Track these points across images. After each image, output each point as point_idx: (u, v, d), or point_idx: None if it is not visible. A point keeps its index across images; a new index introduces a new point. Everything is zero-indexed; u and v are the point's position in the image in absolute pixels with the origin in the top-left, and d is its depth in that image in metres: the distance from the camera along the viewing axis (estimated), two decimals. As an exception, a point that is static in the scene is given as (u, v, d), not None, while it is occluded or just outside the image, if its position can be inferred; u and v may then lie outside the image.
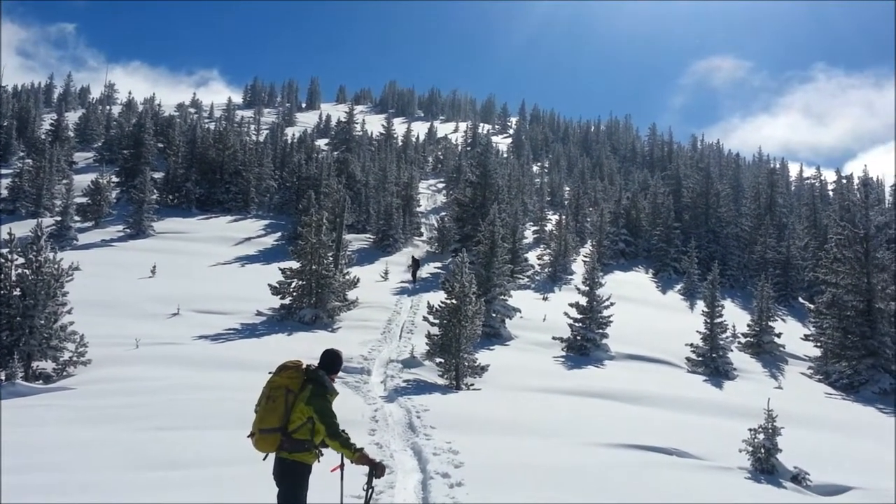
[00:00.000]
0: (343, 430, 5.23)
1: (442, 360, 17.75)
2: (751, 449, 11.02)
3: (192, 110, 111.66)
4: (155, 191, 45.77)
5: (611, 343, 23.51)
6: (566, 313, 24.22)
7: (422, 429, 11.71)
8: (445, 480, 8.59)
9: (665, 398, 16.50)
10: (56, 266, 16.52)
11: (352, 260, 35.32)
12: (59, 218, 39.28)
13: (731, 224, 48.55)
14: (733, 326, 26.64)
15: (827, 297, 26.24)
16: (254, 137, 76.39)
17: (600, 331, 23.61)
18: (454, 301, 18.10)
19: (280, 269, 24.87)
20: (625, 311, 26.89)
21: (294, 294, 24.52)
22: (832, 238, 31.82)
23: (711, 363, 22.90)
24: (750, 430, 11.13)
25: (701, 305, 27.98)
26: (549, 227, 50.12)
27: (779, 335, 27.36)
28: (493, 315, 24.39)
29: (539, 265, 41.04)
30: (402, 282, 34.33)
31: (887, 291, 24.56)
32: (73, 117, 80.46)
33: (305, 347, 18.17)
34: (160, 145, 60.61)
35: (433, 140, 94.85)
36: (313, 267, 24.50)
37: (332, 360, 5.54)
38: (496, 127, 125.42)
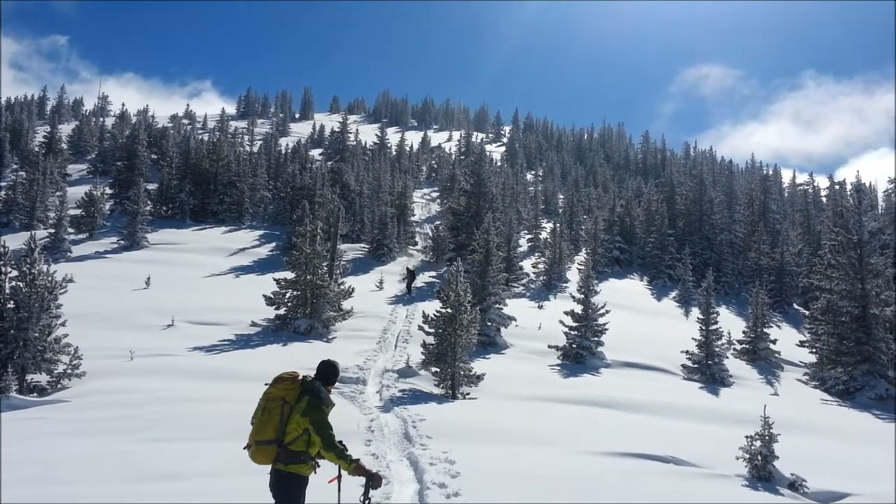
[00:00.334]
0: (339, 442, 5.21)
1: (438, 370, 17.72)
2: (747, 456, 11.01)
3: (185, 121, 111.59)
4: (149, 202, 45.66)
5: (606, 351, 23.50)
6: (561, 321, 24.25)
7: (418, 439, 11.69)
8: (442, 490, 8.58)
9: (661, 406, 16.48)
10: (50, 278, 16.45)
11: (346, 270, 35.23)
12: (52, 230, 39.23)
13: (725, 231, 48.64)
14: (728, 333, 26.71)
15: (821, 303, 26.33)
16: (247, 148, 76.36)
17: (596, 339, 23.61)
18: (449, 310, 18.09)
19: (275, 280, 24.83)
20: (620, 319, 26.96)
21: (289, 304, 24.48)
22: (826, 244, 32.00)
23: (707, 370, 22.92)
24: (746, 437, 11.13)
25: (696, 312, 28.07)
26: (543, 235, 50.10)
27: (774, 341, 27.44)
28: (489, 324, 24.41)
29: (534, 273, 41.09)
30: (397, 291, 34.31)
31: (882, 297, 24.63)
32: (66, 129, 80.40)
33: (300, 358, 18.11)
34: (154, 157, 60.69)
35: (427, 149, 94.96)
36: (308, 277, 24.48)
37: (328, 372, 5.52)
38: (490, 136, 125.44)
